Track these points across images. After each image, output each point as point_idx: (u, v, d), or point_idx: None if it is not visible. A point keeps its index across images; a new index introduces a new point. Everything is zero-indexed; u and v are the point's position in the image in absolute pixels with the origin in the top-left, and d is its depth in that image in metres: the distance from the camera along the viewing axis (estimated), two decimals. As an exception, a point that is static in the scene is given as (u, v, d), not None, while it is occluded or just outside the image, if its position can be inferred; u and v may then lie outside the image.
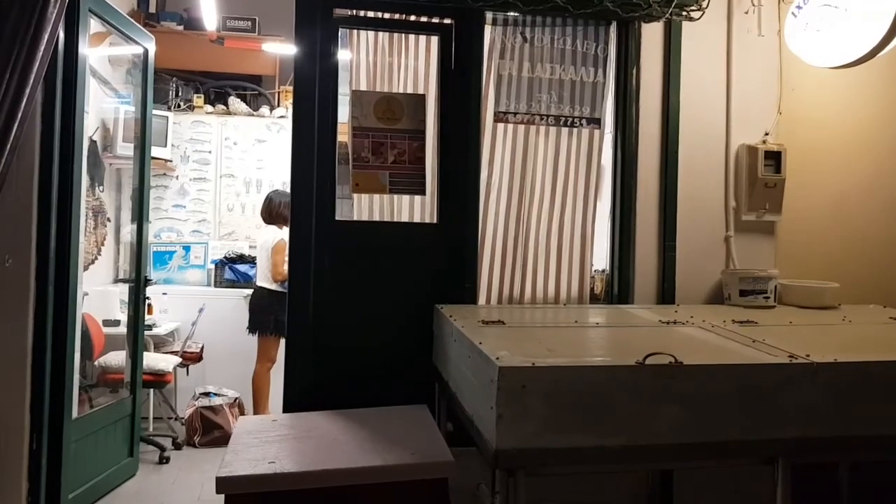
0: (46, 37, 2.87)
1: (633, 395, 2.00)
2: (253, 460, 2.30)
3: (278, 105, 6.65)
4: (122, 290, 5.17)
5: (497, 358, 1.98)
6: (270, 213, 5.52)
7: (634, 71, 3.44)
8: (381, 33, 3.37)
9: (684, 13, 3.31)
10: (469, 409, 2.28)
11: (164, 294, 5.80)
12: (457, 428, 2.93)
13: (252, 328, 5.43)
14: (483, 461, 2.08)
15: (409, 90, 3.36)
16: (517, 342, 2.39)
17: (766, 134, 3.55)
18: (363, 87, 3.32)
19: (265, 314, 5.36)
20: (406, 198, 3.38)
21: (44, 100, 3.20)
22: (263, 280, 5.43)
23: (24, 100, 2.82)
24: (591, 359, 2.21)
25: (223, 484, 2.19)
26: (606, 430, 1.99)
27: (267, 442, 2.48)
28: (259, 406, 5.41)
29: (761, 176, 3.47)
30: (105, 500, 3.96)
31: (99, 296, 5.24)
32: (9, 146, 2.81)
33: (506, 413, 1.91)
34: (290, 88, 5.97)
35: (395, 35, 3.37)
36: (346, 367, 3.15)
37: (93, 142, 5.16)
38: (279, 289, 5.26)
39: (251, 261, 6.09)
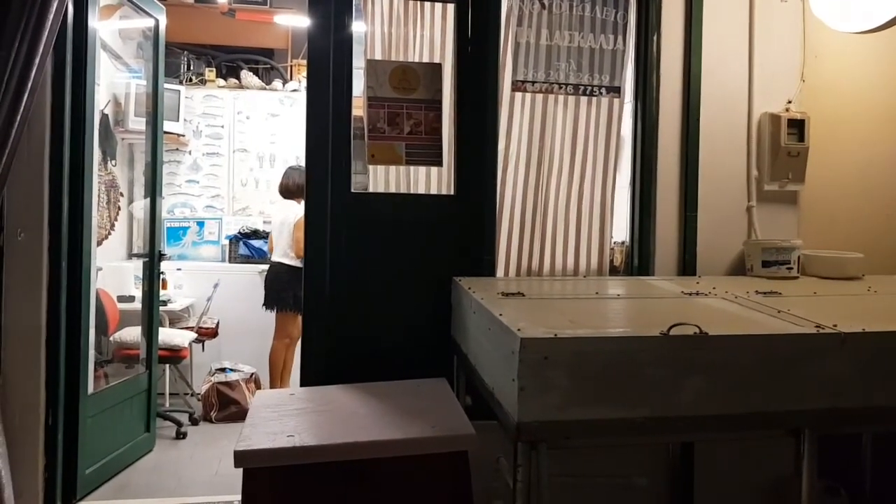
0: (55, 5, 2.83)
1: (657, 366, 1.96)
2: (271, 434, 2.28)
3: (291, 79, 6.60)
4: (137, 266, 5.17)
5: (518, 329, 1.94)
6: (288, 189, 5.48)
7: (655, 38, 3.36)
8: (395, 2, 3.30)
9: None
10: (489, 381, 2.24)
11: (179, 270, 5.81)
12: (475, 401, 2.90)
13: (270, 304, 5.40)
14: (502, 434, 2.04)
15: (425, 60, 3.30)
16: (538, 313, 2.35)
17: (789, 102, 3.47)
18: (378, 58, 3.26)
19: (284, 290, 5.34)
20: (423, 169, 3.33)
21: (54, 72, 3.16)
22: (282, 256, 5.40)
23: (35, 68, 2.79)
24: (615, 330, 2.16)
25: (242, 457, 2.17)
26: (630, 401, 1.95)
27: (285, 415, 2.45)
28: (276, 382, 5.41)
29: (784, 145, 3.40)
30: (122, 475, 3.98)
31: (113, 271, 5.25)
32: (20, 116, 2.78)
33: (528, 385, 1.88)
34: (303, 62, 5.92)
35: (411, 4, 3.30)
36: (363, 341, 3.12)
37: (104, 115, 5.13)
38: (299, 265, 5.23)
39: (265, 236, 6.07)
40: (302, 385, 3.08)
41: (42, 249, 3.17)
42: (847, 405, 2.06)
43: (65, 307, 3.27)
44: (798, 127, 3.43)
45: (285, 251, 5.38)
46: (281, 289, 5.36)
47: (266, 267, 5.61)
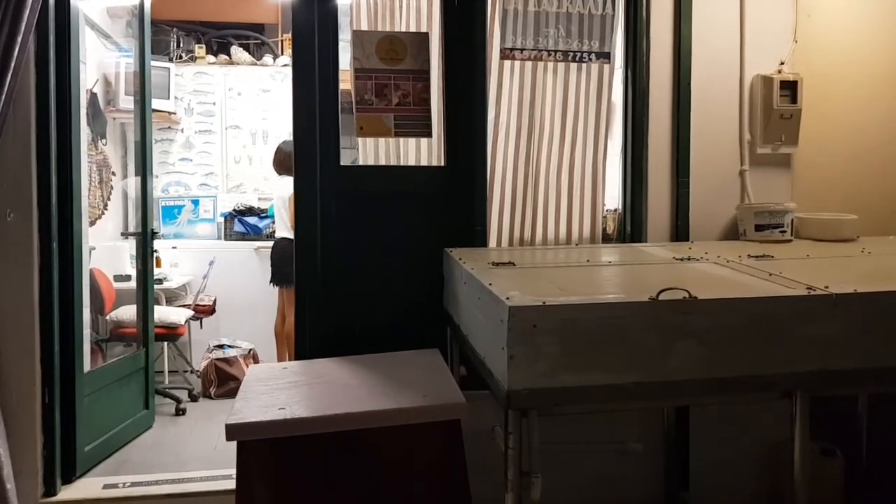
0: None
1: (646, 331, 1.96)
2: (263, 407, 2.28)
3: (282, 53, 6.54)
4: (132, 245, 5.15)
5: (507, 298, 1.93)
6: (280, 164, 5.45)
7: (644, 1, 3.32)
8: (380, -29, 3.26)
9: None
10: (481, 351, 2.24)
11: (174, 248, 5.80)
12: (470, 372, 2.91)
13: (276, 280, 5.36)
14: (497, 404, 2.05)
15: (412, 29, 3.26)
16: (528, 282, 2.35)
17: (782, 63, 3.43)
18: (364, 29, 3.23)
19: (289, 265, 5.30)
20: (412, 141, 3.31)
21: (37, 51, 3.11)
22: (285, 231, 5.36)
23: (17, 48, 2.76)
24: (603, 296, 2.15)
25: (233, 430, 2.18)
26: (620, 367, 1.95)
27: (277, 389, 2.46)
28: (284, 356, 5.40)
29: (777, 107, 3.36)
30: (122, 451, 3.99)
31: (108, 251, 5.24)
32: (4, 96, 2.76)
33: (517, 353, 1.88)
34: (293, 36, 5.86)
35: (396, -28, 3.27)
36: (356, 314, 3.12)
37: (93, 94, 5.09)
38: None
39: (260, 213, 6.06)
40: (296, 359, 3.08)
41: (32, 230, 3.15)
42: (839, 367, 2.07)
43: (57, 286, 3.25)
44: (790, 88, 3.40)
45: (287, 226, 5.34)
46: (286, 264, 5.32)
47: (264, 244, 5.60)
